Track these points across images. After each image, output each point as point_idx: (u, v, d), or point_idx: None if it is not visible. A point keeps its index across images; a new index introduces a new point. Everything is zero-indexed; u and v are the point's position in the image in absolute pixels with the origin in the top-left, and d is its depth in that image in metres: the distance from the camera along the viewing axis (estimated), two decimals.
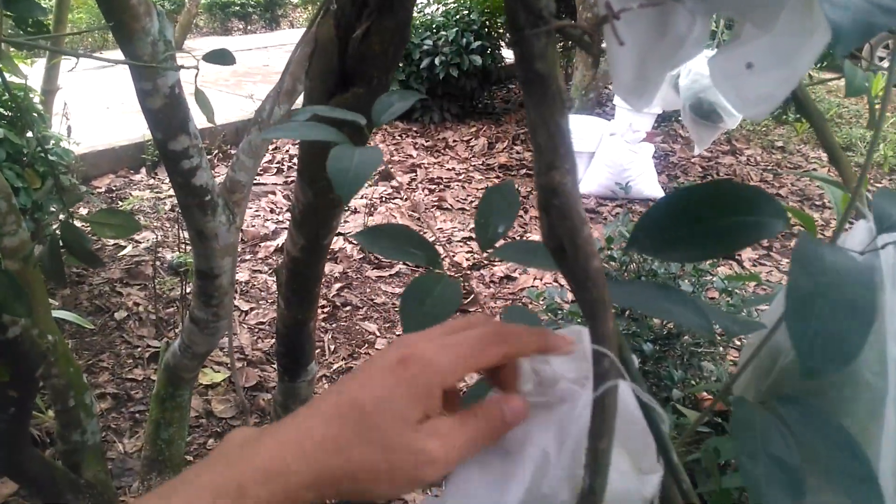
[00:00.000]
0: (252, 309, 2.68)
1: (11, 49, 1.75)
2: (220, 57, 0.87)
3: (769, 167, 4.55)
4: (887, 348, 0.55)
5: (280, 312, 1.15)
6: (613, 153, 3.69)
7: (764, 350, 0.63)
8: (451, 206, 3.66)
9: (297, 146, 4.08)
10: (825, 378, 0.38)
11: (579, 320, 2.04)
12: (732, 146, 4.78)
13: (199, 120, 1.10)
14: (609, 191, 3.71)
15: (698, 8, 0.38)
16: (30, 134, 2.33)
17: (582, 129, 3.83)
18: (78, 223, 0.86)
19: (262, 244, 3.11)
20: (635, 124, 3.71)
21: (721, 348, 2.17)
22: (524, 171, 4.10)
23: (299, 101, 1.22)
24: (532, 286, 2.97)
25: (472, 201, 3.71)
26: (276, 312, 2.69)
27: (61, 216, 0.84)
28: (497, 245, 0.54)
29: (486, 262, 3.14)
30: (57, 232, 0.82)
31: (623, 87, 0.36)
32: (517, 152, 4.33)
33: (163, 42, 0.98)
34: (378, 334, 2.64)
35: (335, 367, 2.43)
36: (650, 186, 3.75)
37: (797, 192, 4.16)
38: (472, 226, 3.47)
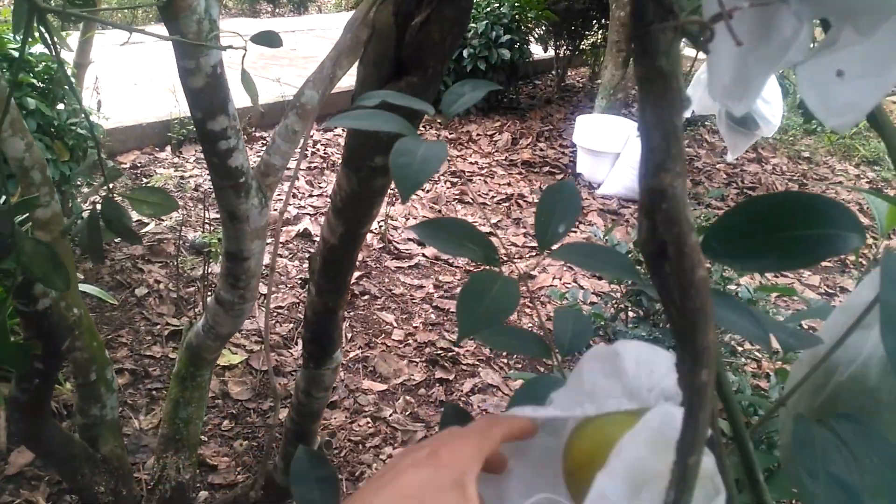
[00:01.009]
0: (272, 293, 2.68)
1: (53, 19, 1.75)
2: (268, 39, 0.86)
3: (795, 177, 4.50)
4: None
5: (310, 299, 1.15)
6: (639, 155, 3.65)
7: (807, 364, 0.61)
8: (472, 200, 3.64)
9: (321, 132, 4.07)
10: None
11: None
12: (759, 154, 4.72)
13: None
14: (633, 192, 3.68)
15: (804, 11, 0.37)
16: (60, 106, 2.34)
17: (608, 129, 3.80)
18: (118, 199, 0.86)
19: (284, 229, 3.11)
20: None
21: (743, 360, 2.15)
22: (547, 168, 4.08)
23: (337, 86, 1.21)
24: (551, 285, 2.96)
25: (493, 196, 3.69)
26: (294, 297, 2.70)
27: (101, 191, 0.84)
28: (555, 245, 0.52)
29: (505, 258, 3.13)
30: (97, 207, 0.82)
31: (721, 88, 0.35)
32: (540, 149, 4.30)
33: (208, 21, 0.98)
34: (395, 325, 2.63)
35: (352, 355, 2.43)
36: None
37: None
38: (493, 220, 3.45)
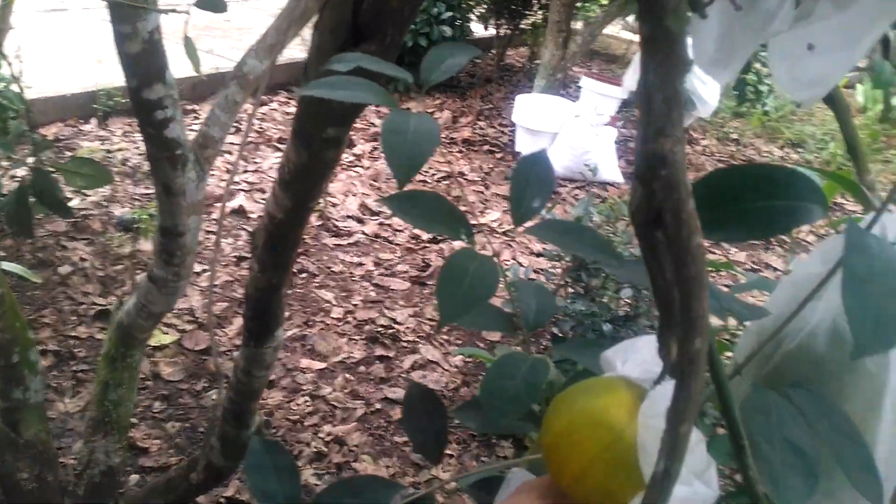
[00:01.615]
0: (204, 271, 2.60)
1: None
2: (213, 5, 0.82)
3: (723, 158, 4.66)
4: None
5: (253, 276, 1.11)
6: (577, 135, 3.70)
7: (763, 333, 0.63)
8: (412, 178, 3.61)
9: (268, 105, 3.94)
10: (876, 353, 0.38)
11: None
12: (689, 136, 4.86)
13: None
14: (570, 172, 3.73)
15: None
16: None
17: (547, 109, 3.83)
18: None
19: (217, 205, 3.02)
20: (600, 107, 3.73)
21: None
22: (487, 146, 4.09)
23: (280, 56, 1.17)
24: None
25: (433, 174, 3.67)
26: (228, 275, 2.62)
27: (29, 162, 0.79)
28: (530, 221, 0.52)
29: (445, 236, 3.12)
30: (26, 179, 0.76)
31: (706, 57, 0.34)
32: (480, 128, 4.30)
33: None
34: (334, 303, 2.60)
35: (289, 333, 2.39)
36: (611, 170, 3.79)
37: None
38: None
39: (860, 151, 0.59)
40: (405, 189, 0.44)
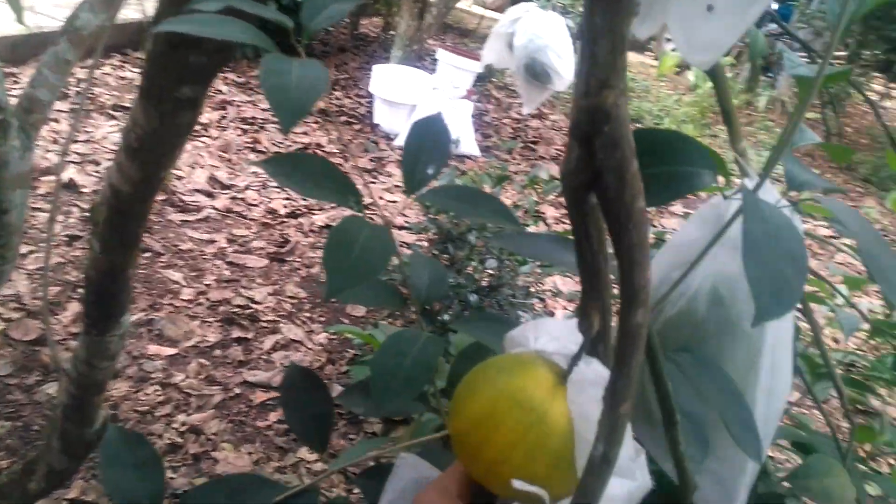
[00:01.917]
0: (31, 252, 2.32)
1: None
2: None
3: None
4: None
5: (93, 256, 0.98)
6: (435, 108, 3.69)
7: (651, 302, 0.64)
8: (266, 149, 3.44)
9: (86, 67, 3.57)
10: (776, 318, 0.38)
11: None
12: (539, 111, 5.02)
13: None
14: None
15: None
16: None
17: (405, 80, 3.79)
18: None
19: (44, 179, 2.70)
20: (456, 81, 3.74)
21: (537, 300, 2.29)
22: (344, 117, 3.98)
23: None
24: None
25: (289, 145, 3.52)
26: (60, 257, 2.36)
27: None
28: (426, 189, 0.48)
29: (304, 210, 3.01)
30: None
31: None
32: (336, 98, 4.18)
33: None
34: (183, 283, 2.42)
35: (134, 318, 2.19)
36: (468, 144, 3.83)
37: None
38: None
39: (734, 121, 0.61)
40: (289, 153, 0.38)
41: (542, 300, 2.54)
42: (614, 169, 0.24)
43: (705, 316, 0.59)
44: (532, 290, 2.20)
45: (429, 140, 0.48)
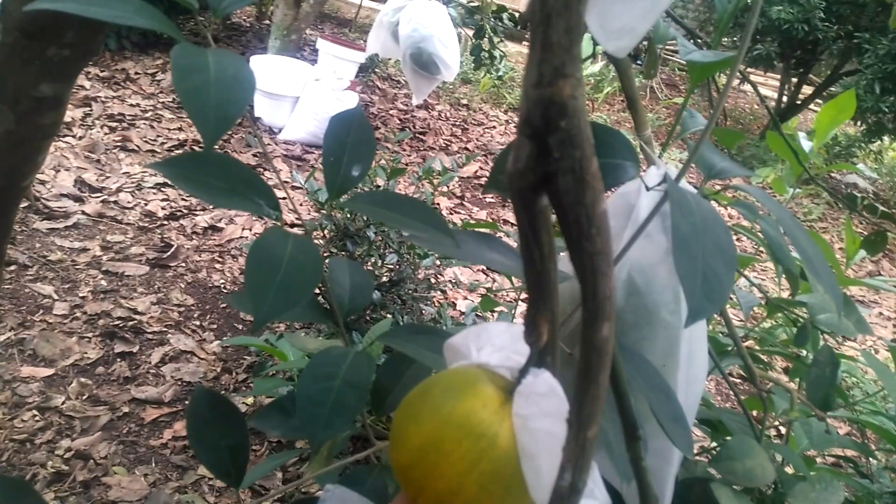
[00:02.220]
0: None
1: None
2: None
3: (458, 122, 4.90)
4: (679, 289, 0.59)
5: None
6: (319, 100, 3.60)
7: (566, 296, 0.63)
8: (137, 147, 3.22)
9: None
10: (709, 315, 0.37)
11: None
12: (425, 102, 5.02)
13: None
14: (315, 138, 3.62)
15: None
16: None
17: (285, 71, 3.66)
18: None
19: None
20: (339, 71, 3.66)
21: (439, 293, 2.28)
22: None
23: None
24: (241, 237, 2.78)
25: (163, 143, 3.31)
26: None
27: None
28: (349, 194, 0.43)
29: (185, 211, 2.84)
30: None
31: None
32: None
33: None
34: (56, 297, 2.23)
35: (1, 339, 1.99)
36: None
37: (482, 147, 4.55)
38: None
39: (639, 108, 0.61)
40: (188, 152, 0.33)
41: (444, 292, 2.54)
42: (572, 170, 0.22)
43: (623, 306, 0.59)
44: (433, 281, 2.19)
45: (350, 137, 0.44)
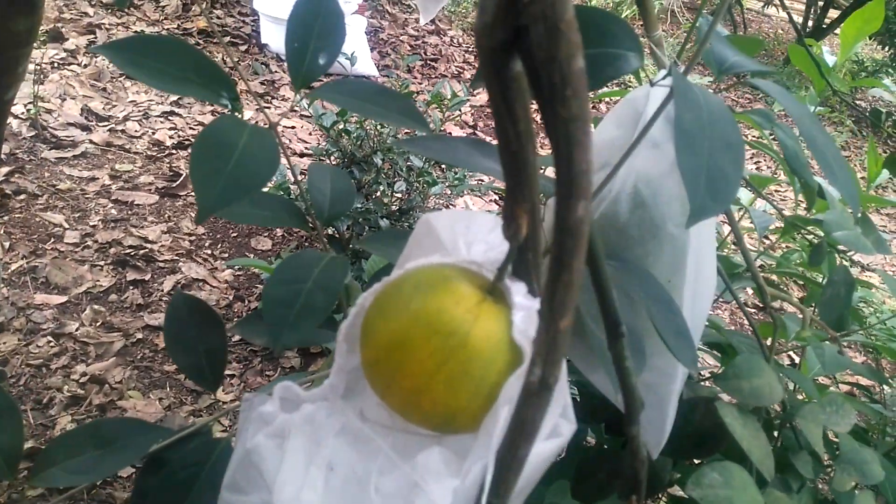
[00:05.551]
0: None
1: None
2: None
3: (471, 49, 4.76)
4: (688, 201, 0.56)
5: None
6: None
7: None
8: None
9: None
10: (712, 215, 0.34)
11: None
12: (437, 27, 4.87)
13: None
14: None
15: None
16: None
17: None
18: None
19: None
20: None
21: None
22: (228, 38, 3.70)
23: None
24: None
25: None
26: None
27: None
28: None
29: (193, 139, 2.81)
30: None
31: None
32: (218, 17, 3.87)
33: None
34: (66, 225, 2.23)
35: (14, 267, 2.01)
36: (364, 62, 3.66)
37: None
38: (172, 98, 3.05)
39: (650, 7, 0.56)
40: (137, 35, 0.30)
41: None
42: (543, 18, 0.19)
43: (628, 219, 0.56)
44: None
45: (318, 21, 0.40)
